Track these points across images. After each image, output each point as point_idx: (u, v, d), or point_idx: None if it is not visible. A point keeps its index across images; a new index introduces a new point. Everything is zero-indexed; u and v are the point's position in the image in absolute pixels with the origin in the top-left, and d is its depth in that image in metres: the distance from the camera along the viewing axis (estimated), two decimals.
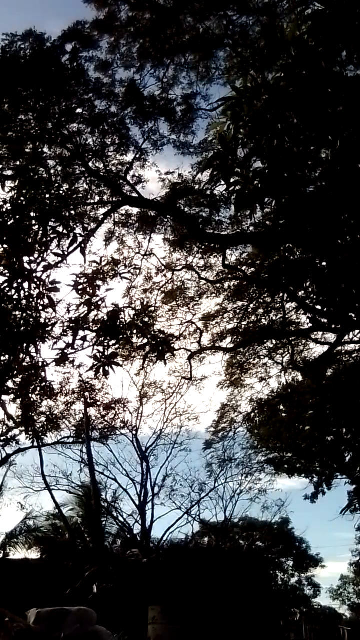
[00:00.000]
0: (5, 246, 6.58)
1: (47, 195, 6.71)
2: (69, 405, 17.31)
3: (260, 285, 14.95)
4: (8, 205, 6.54)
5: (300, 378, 18.09)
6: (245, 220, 13.98)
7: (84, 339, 6.97)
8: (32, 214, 6.63)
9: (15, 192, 6.65)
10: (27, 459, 39.57)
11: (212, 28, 13.21)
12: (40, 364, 7.14)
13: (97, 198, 14.25)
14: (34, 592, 15.14)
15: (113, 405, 20.23)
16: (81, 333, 6.96)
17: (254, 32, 12.55)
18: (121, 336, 7.00)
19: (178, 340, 16.28)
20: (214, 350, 17.56)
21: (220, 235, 14.35)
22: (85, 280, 6.87)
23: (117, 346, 7.09)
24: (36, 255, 6.68)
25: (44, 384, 7.71)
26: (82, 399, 17.18)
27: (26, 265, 6.63)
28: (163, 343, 7.23)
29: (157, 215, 14.97)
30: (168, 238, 15.45)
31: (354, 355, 16.88)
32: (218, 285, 16.43)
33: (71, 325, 6.94)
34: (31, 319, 6.76)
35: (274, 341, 17.20)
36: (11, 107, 12.62)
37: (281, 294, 14.46)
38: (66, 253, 6.92)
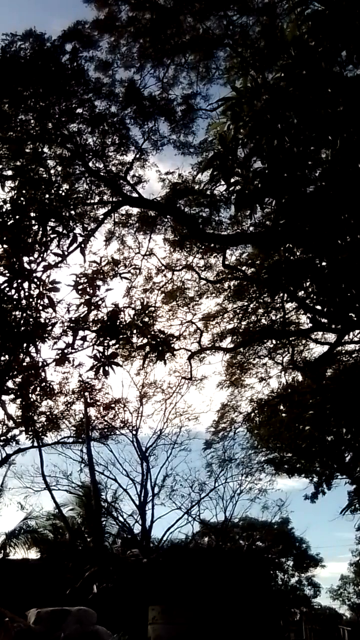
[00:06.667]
0: (5, 246, 6.58)
1: (47, 195, 6.71)
2: (69, 405, 17.32)
3: (260, 285, 14.93)
4: (8, 205, 6.54)
5: (300, 378, 18.08)
6: (245, 220, 14.00)
7: (84, 339, 6.97)
8: (32, 214, 6.63)
9: (15, 192, 6.66)
10: (27, 459, 39.64)
11: (212, 28, 13.21)
12: (40, 364, 7.14)
13: (97, 198, 14.26)
14: (34, 592, 15.14)
15: (113, 405, 20.24)
16: (81, 333, 6.96)
17: (254, 32, 12.56)
18: (121, 336, 6.99)
19: (178, 340, 16.28)
20: (214, 350, 17.57)
21: (220, 235, 14.35)
22: (85, 280, 6.87)
23: (117, 346, 7.09)
24: (36, 255, 6.68)
25: (44, 384, 7.71)
26: (82, 399, 17.19)
27: (26, 265, 6.63)
28: (163, 343, 7.22)
29: (157, 215, 14.96)
30: (168, 238, 15.47)
31: (354, 355, 16.88)
32: (218, 285, 16.43)
33: (71, 325, 6.95)
34: (31, 319, 6.76)
35: (274, 341, 17.20)
36: (11, 107, 12.62)
37: (281, 294, 14.44)
38: (66, 253, 6.92)
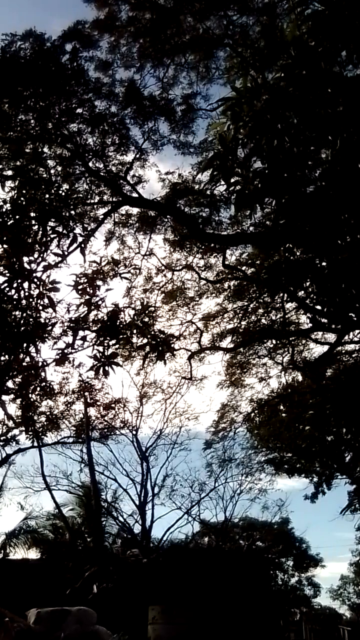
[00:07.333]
0: (5, 246, 6.58)
1: (47, 195, 6.71)
2: (69, 405, 17.32)
3: (260, 285, 14.93)
4: (8, 205, 6.54)
5: (300, 378, 18.09)
6: (245, 220, 14.00)
7: (84, 339, 6.97)
8: (32, 214, 6.63)
9: (15, 192, 6.66)
10: (27, 459, 39.67)
11: (212, 28, 13.20)
12: (40, 364, 7.14)
13: (97, 198, 14.26)
14: (34, 592, 15.15)
15: (113, 405, 20.24)
16: (81, 333, 6.96)
17: (254, 32, 12.55)
18: (121, 336, 7.00)
19: (178, 340, 16.28)
20: (214, 350, 17.57)
21: (220, 235, 14.35)
22: (85, 280, 6.87)
23: (117, 346, 7.09)
24: (36, 255, 6.68)
25: (44, 384, 7.71)
26: (82, 399, 17.19)
27: (26, 265, 6.63)
28: (163, 343, 7.22)
29: (157, 215, 14.96)
30: (168, 238, 15.47)
31: (354, 355, 16.88)
32: (218, 285, 16.43)
33: (71, 325, 6.95)
34: (31, 319, 6.76)
35: (274, 341, 17.20)
36: (11, 107, 12.62)
37: (281, 294, 14.44)
38: (66, 253, 6.92)
